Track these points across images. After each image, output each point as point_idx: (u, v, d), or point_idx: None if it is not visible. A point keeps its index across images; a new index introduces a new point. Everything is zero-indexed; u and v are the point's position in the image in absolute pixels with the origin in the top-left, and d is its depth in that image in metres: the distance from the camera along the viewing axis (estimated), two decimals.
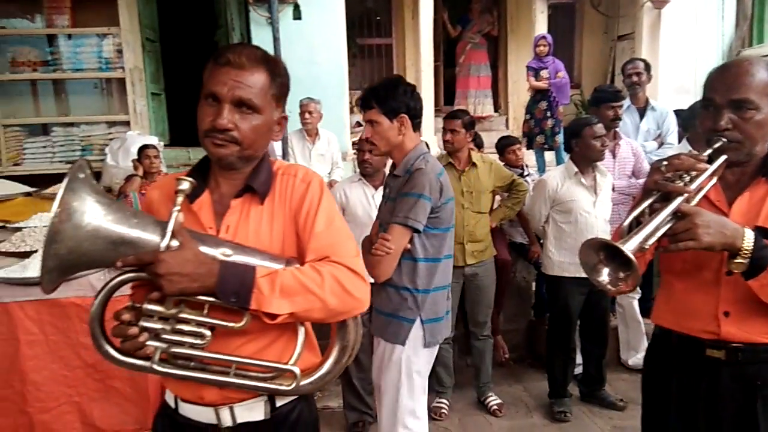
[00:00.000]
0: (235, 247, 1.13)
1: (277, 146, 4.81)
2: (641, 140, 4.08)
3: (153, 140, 4.67)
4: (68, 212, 0.96)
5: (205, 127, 1.17)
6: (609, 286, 1.25)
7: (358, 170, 3.15)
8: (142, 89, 5.18)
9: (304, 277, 1.11)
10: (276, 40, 3.73)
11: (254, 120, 1.18)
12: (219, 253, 1.09)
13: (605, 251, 1.23)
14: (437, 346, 2.20)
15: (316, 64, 5.10)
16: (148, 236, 1.05)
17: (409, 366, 2.08)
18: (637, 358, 3.76)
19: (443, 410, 3.33)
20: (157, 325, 1.07)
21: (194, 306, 1.10)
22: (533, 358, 4.03)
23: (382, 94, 2.06)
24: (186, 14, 6.83)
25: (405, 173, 2.08)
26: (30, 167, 4.85)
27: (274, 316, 1.09)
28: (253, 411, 1.20)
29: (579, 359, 3.44)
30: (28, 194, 4.37)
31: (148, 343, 1.07)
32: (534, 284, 4.10)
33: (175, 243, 1.05)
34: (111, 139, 4.92)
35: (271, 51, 4.89)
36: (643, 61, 4.31)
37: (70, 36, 4.94)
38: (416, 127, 2.14)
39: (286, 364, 1.15)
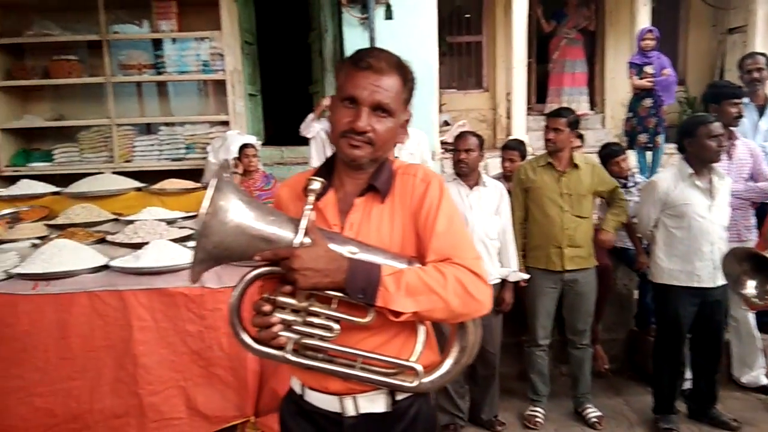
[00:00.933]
0: (360, 245, 1.17)
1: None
2: (760, 140, 3.77)
3: (252, 139, 4.84)
4: (216, 210, 1.02)
5: (343, 129, 1.21)
6: (756, 300, 1.15)
7: (446, 170, 3.12)
8: (241, 90, 5.39)
9: (427, 277, 1.13)
10: (372, 40, 3.74)
11: (388, 123, 1.22)
12: (346, 250, 1.14)
13: (751, 262, 1.14)
14: None
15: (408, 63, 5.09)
16: (283, 233, 1.11)
17: None
18: (751, 376, 3.49)
19: (538, 419, 3.22)
20: (290, 317, 1.12)
21: (323, 300, 1.14)
22: (633, 370, 3.82)
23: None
24: (281, 17, 7.06)
25: None
26: (139, 164, 5.17)
27: (398, 314, 1.12)
28: (375, 403, 1.23)
29: (688, 374, 3.21)
30: (138, 189, 4.67)
31: (281, 333, 1.12)
32: (636, 292, 3.89)
33: (307, 240, 1.10)
34: (212, 138, 5.15)
35: None
36: (764, 55, 3.98)
37: (174, 40, 5.23)
38: None
39: (408, 360, 1.18)
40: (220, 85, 5.34)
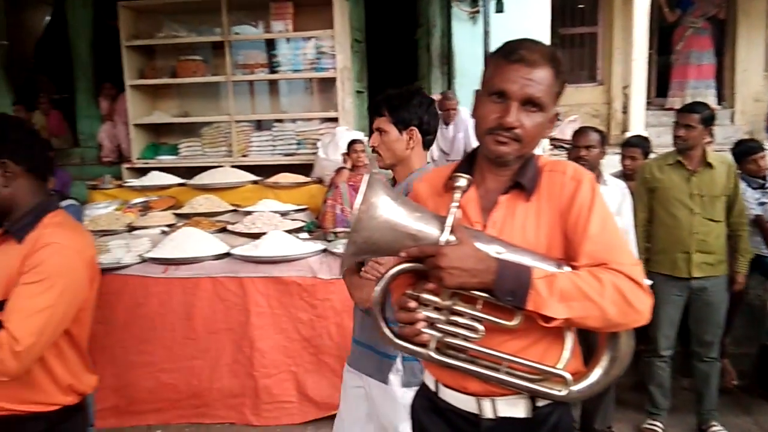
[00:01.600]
0: (505, 245, 1.12)
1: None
2: None
3: (360, 135, 4.92)
4: (368, 206, 1.03)
5: (490, 125, 1.16)
6: None
7: None
8: (350, 87, 5.51)
9: (582, 282, 1.07)
10: (486, 34, 3.68)
11: (537, 118, 1.16)
12: (492, 250, 1.10)
13: None
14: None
15: None
16: (429, 230, 1.09)
17: (397, 405, 1.83)
18: None
19: None
20: (433, 315, 1.10)
21: (467, 300, 1.11)
22: (764, 388, 3.48)
23: (395, 102, 1.85)
24: (388, 14, 7.12)
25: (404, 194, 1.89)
26: (255, 158, 5.43)
27: (549, 319, 1.07)
28: (515, 407, 1.19)
29: None
30: (254, 182, 4.91)
31: (424, 330, 1.10)
32: None
33: (453, 238, 1.08)
34: (321, 134, 5.30)
35: (469, 47, 4.83)
36: None
37: (288, 39, 5.44)
38: (427, 145, 1.90)
39: (554, 367, 1.12)
40: (328, 83, 5.48)
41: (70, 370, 1.49)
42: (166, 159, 5.53)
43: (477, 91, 1.24)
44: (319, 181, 4.87)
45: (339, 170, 4.38)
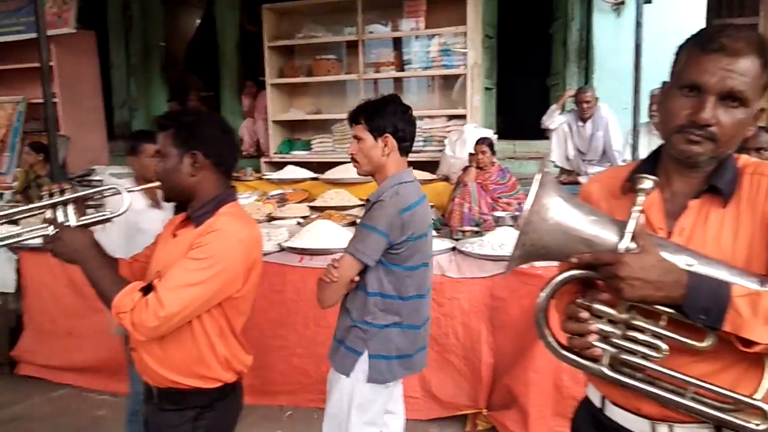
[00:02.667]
0: (697, 256, 1.00)
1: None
2: None
3: (488, 133, 4.84)
4: (538, 207, 0.98)
5: (680, 122, 1.05)
6: None
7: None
8: (479, 84, 5.43)
9: None
10: (639, 26, 3.43)
11: (738, 114, 1.03)
12: (681, 261, 0.99)
13: None
14: (387, 385, 1.99)
15: (668, 50, 4.58)
16: (606, 236, 1.01)
17: (351, 398, 1.96)
18: None
19: None
20: (607, 328, 1.02)
21: (647, 314, 1.02)
22: None
23: (370, 110, 1.91)
24: (521, 8, 6.92)
25: (373, 201, 1.91)
26: None
27: (750, 343, 0.94)
28: None
29: None
30: None
31: (596, 344, 1.02)
32: None
33: (633, 245, 0.98)
34: (448, 132, 5.28)
35: (611, 41, 4.50)
36: None
37: (417, 36, 5.46)
38: (404, 151, 1.96)
39: (751, 397, 0.99)
40: (456, 80, 5.44)
41: (230, 348, 1.58)
42: (300, 154, 5.80)
43: (664, 84, 1.13)
44: (446, 178, 4.85)
45: (466, 168, 4.34)
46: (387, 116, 1.91)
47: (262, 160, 5.95)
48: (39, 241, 1.57)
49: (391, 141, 1.90)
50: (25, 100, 6.53)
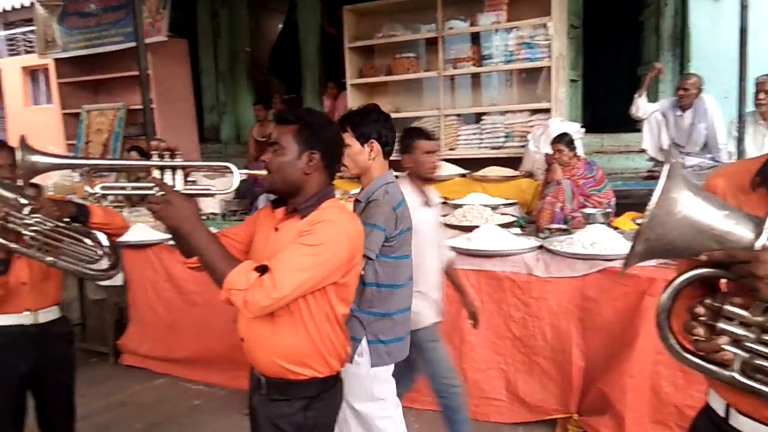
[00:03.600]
0: None
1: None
2: None
3: (575, 127, 4.66)
4: (666, 200, 0.91)
5: None
6: None
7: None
8: (564, 76, 5.23)
9: None
10: (744, 8, 3.17)
11: None
12: None
13: None
14: (389, 366, 2.15)
15: None
16: (740, 232, 0.93)
17: (366, 388, 2.08)
18: None
19: None
20: (739, 330, 0.94)
21: None
22: None
23: (356, 119, 2.13)
24: None
25: (366, 201, 2.09)
26: (462, 152, 5.46)
27: None
28: None
29: None
30: (462, 175, 4.95)
31: (727, 348, 0.95)
32: None
33: None
34: (531, 127, 5.13)
35: (709, 27, 4.19)
36: None
37: (496, 30, 5.34)
38: (387, 155, 2.19)
39: None
40: (539, 73, 5.28)
41: (336, 335, 1.65)
42: None
43: None
44: (529, 174, 4.71)
45: (550, 167, 4.19)
46: (371, 124, 2.13)
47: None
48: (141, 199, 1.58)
49: (376, 146, 2.13)
50: (124, 107, 7.00)
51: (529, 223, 3.94)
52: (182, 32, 7.11)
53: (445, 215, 3.97)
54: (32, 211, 1.95)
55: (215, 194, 1.62)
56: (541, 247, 3.16)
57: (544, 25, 5.05)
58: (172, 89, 6.83)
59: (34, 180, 2.08)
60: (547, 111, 5.14)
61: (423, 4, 5.48)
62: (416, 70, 5.70)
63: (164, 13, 6.22)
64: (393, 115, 5.96)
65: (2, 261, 2.01)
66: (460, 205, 4.01)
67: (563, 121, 4.83)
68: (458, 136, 5.59)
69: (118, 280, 4.12)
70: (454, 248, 3.28)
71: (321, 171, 1.64)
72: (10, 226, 1.93)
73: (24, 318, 2.18)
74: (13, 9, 8.54)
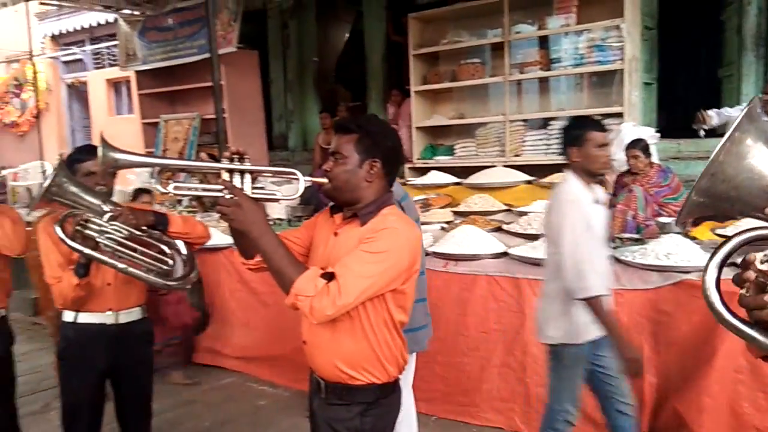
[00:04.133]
0: None
1: None
2: None
3: (649, 132, 4.46)
4: (733, 141, 0.83)
5: None
6: None
7: None
8: (637, 80, 5.02)
9: None
10: None
11: None
12: None
13: None
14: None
15: None
16: None
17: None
18: None
19: None
20: None
21: None
22: None
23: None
24: None
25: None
26: (528, 158, 5.33)
27: None
28: None
29: None
30: (527, 182, 4.84)
31: None
32: None
33: None
34: None
35: None
36: None
37: (566, 33, 5.19)
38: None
39: None
40: (609, 76, 5.08)
41: (395, 342, 1.65)
42: (443, 159, 5.80)
43: None
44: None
45: (622, 174, 4.04)
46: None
47: (406, 166, 6.04)
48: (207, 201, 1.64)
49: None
50: (199, 116, 7.32)
51: None
52: (253, 44, 7.36)
53: (509, 223, 3.90)
54: (111, 219, 2.05)
55: (280, 200, 1.65)
56: (611, 257, 3.03)
57: (617, 27, 4.87)
58: (243, 99, 7.08)
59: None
60: (619, 115, 4.94)
61: (489, 10, 5.42)
62: (481, 75, 5.64)
63: (235, 26, 6.47)
64: (457, 122, 6.02)
65: (83, 265, 2.12)
66: (525, 213, 3.92)
67: (636, 126, 4.64)
68: (524, 141, 5.47)
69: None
70: (519, 257, 3.21)
71: (381, 178, 1.66)
72: (88, 232, 2.04)
73: (106, 317, 2.29)
74: (99, 25, 9.11)
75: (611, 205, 3.77)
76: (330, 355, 1.62)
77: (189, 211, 5.12)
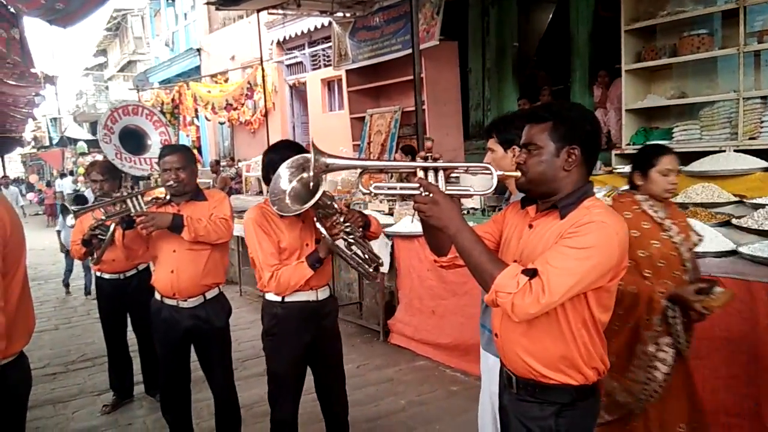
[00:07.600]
0: None
1: None
2: None
3: None
4: None
5: None
6: None
7: None
8: None
9: None
10: None
11: None
12: None
13: None
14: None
15: None
16: None
17: None
18: None
19: None
20: None
21: None
22: None
23: (500, 126, 2.23)
24: None
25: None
26: (766, 141, 4.56)
27: None
28: None
29: None
30: (765, 170, 4.14)
31: None
32: None
33: None
34: None
35: None
36: None
37: None
38: None
39: None
40: None
41: (594, 343, 1.54)
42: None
43: None
44: None
45: None
46: (514, 130, 2.10)
47: (613, 152, 5.58)
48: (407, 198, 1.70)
49: (517, 150, 2.07)
50: (400, 109, 7.65)
51: None
52: (452, 35, 7.43)
53: (740, 217, 3.38)
54: (345, 220, 2.42)
55: (473, 195, 1.64)
56: None
57: None
58: (442, 90, 7.20)
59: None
60: None
61: None
62: (709, 47, 4.94)
63: (437, 19, 6.59)
64: (677, 101, 5.40)
65: (319, 259, 2.47)
66: (762, 206, 3.36)
67: None
68: (762, 122, 4.67)
69: (386, 266, 4.53)
70: (751, 257, 2.77)
71: (580, 167, 1.55)
72: (335, 231, 2.40)
73: (309, 295, 2.57)
74: (315, 29, 10.00)
75: None
76: (521, 350, 1.57)
77: (389, 200, 5.39)
